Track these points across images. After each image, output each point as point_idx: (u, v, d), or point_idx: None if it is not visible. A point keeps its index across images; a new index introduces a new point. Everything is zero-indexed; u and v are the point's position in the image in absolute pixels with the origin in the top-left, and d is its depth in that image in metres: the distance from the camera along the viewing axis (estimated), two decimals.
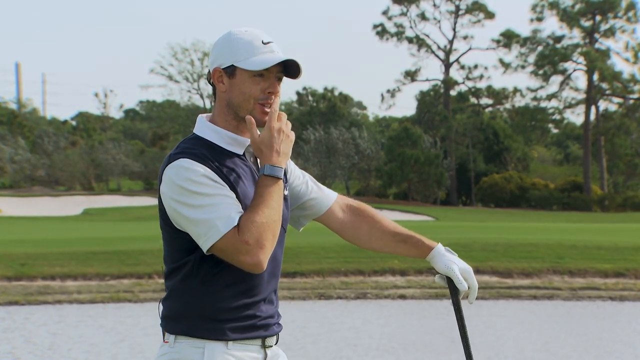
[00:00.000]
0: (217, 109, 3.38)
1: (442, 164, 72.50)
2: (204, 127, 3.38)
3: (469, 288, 3.57)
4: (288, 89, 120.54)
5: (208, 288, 3.28)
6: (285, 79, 3.38)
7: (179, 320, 3.31)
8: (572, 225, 38.74)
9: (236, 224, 3.18)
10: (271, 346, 3.42)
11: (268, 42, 3.34)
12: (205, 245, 3.21)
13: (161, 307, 3.39)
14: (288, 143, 3.33)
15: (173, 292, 3.34)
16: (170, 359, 3.32)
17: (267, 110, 3.33)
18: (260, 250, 3.18)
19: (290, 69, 3.35)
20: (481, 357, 12.74)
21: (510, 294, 19.96)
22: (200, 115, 3.45)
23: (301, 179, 3.66)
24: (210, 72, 3.38)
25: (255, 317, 3.34)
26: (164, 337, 3.38)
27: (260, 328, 3.36)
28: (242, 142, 3.37)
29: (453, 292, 3.59)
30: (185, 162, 3.23)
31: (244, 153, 3.38)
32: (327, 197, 3.69)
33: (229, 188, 3.25)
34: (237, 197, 3.27)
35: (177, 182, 3.22)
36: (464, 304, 3.64)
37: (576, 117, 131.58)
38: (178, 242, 3.31)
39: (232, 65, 3.32)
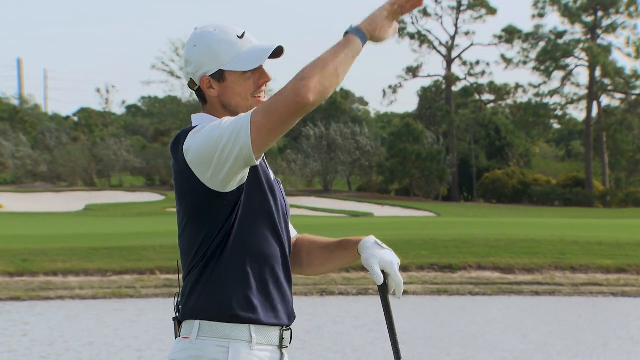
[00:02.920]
0: (210, 110, 3.33)
1: (444, 160, 72.50)
2: (204, 120, 3.29)
3: (386, 281, 3.43)
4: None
5: (231, 284, 3.24)
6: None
7: (203, 318, 3.25)
8: (574, 221, 38.73)
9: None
10: (287, 347, 3.40)
11: (243, 34, 3.29)
12: (244, 134, 3.07)
13: (178, 302, 3.31)
14: (385, 30, 3.29)
15: (195, 289, 3.27)
16: (191, 355, 3.25)
17: (262, 99, 3.30)
18: (301, 81, 3.03)
19: (274, 51, 3.29)
20: (483, 352, 12.74)
21: (512, 290, 19.96)
22: (193, 114, 3.37)
23: None
24: (194, 81, 3.29)
25: (275, 311, 3.31)
26: (178, 332, 3.31)
27: (279, 326, 3.33)
28: None
29: (380, 287, 3.47)
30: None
31: None
32: None
33: None
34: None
35: (200, 132, 3.16)
36: (393, 299, 3.55)
37: (578, 113, 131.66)
38: (201, 230, 3.23)
39: (220, 70, 3.27)
